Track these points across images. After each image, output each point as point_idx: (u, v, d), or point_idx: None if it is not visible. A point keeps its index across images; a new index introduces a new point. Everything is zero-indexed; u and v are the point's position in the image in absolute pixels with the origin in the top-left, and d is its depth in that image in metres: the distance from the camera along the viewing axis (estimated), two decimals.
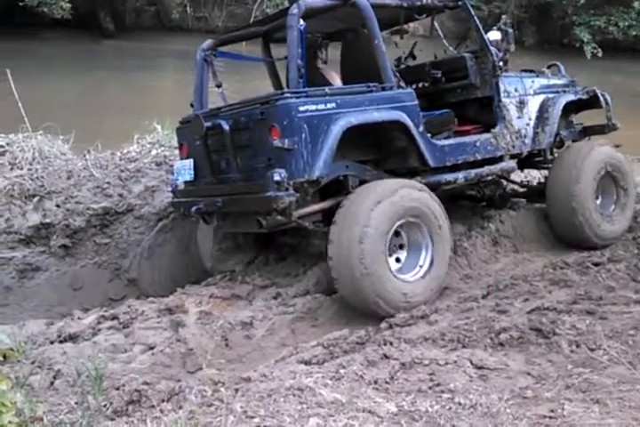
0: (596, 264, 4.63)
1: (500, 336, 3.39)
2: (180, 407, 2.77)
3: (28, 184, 5.33)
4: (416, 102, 4.51)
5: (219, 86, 5.05)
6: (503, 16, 16.92)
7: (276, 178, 3.91)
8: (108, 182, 5.52)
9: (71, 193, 5.38)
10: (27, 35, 15.72)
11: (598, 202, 5.36)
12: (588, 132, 5.85)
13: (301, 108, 4.02)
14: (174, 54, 17.99)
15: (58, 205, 5.28)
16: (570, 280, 4.32)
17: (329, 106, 4.12)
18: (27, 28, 15.86)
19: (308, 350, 3.58)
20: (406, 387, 2.88)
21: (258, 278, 4.72)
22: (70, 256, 5.24)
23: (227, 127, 4.24)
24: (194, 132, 4.42)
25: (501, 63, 5.04)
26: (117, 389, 3.06)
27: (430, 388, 2.85)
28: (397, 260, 4.33)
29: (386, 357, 3.20)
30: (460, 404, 2.66)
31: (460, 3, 5.05)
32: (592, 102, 5.73)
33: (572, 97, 5.57)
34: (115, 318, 4.23)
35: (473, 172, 4.90)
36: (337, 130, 4.07)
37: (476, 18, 5.12)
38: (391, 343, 3.43)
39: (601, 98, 5.68)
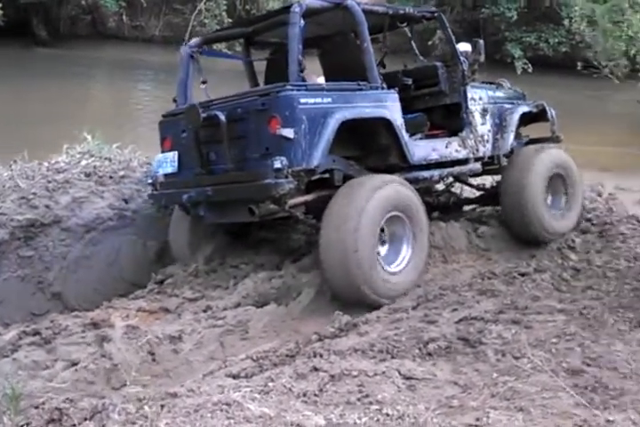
0: (522, 274, 4.70)
1: (428, 346, 3.41)
2: (103, 426, 2.68)
3: None
4: (399, 103, 4.78)
5: (204, 82, 5.24)
6: (438, 31, 17.29)
7: (277, 165, 4.10)
8: (33, 193, 5.31)
9: None
10: None
11: (549, 200, 5.67)
12: (533, 143, 6.09)
13: (302, 100, 4.26)
14: (109, 63, 17.74)
15: None
16: (497, 290, 4.37)
17: (325, 100, 4.39)
18: None
19: (237, 363, 3.52)
20: (335, 399, 2.86)
21: (188, 291, 4.67)
22: None
23: (223, 118, 4.36)
24: (190, 123, 4.55)
25: (469, 73, 5.37)
26: (37, 407, 2.92)
27: (359, 399, 2.83)
28: (380, 251, 4.51)
29: (315, 369, 3.17)
30: (387, 415, 2.65)
31: (435, 14, 5.42)
32: (540, 115, 6.06)
33: (526, 108, 5.91)
34: (36, 333, 4.07)
35: (446, 170, 5.27)
36: (333, 123, 4.31)
37: (449, 29, 5.46)
38: (321, 355, 3.40)
39: (548, 112, 6.03)
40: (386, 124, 4.68)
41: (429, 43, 16.63)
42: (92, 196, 5.48)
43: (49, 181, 5.52)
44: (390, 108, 4.72)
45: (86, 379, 3.48)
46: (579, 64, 9.54)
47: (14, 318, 4.79)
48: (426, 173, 5.10)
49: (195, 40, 5.32)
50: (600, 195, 6.94)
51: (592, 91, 15.15)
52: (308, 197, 4.52)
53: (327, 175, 4.54)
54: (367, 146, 4.88)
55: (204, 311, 4.32)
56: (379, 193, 4.37)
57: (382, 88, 4.76)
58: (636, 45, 10.31)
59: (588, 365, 3.07)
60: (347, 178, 4.58)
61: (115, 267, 5.28)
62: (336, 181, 4.55)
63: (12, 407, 2.76)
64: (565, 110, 6.25)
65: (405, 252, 4.60)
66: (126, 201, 5.51)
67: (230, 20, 17.76)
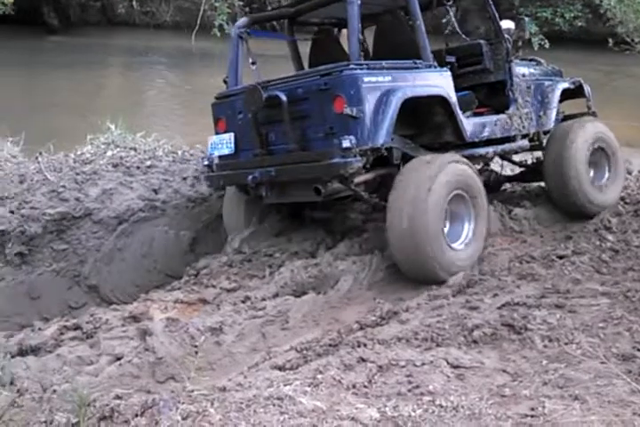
0: (561, 257, 4.62)
1: (473, 333, 3.36)
2: (157, 423, 2.66)
3: None
4: (452, 81, 4.81)
5: (254, 63, 5.27)
6: (451, 9, 17.03)
7: (346, 144, 4.14)
8: (63, 186, 5.33)
9: (25, 198, 5.18)
10: None
11: (591, 174, 5.66)
12: (569, 119, 6.05)
13: (365, 79, 4.28)
14: (121, 50, 17.63)
15: (12, 211, 5.08)
16: (537, 274, 4.31)
17: (386, 78, 4.41)
18: None
19: (281, 354, 3.51)
20: (385, 391, 2.82)
21: (224, 281, 4.64)
22: (27, 264, 5.03)
23: (284, 98, 4.40)
24: (252, 104, 4.58)
25: (513, 50, 5.40)
26: (88, 405, 2.93)
27: (410, 390, 2.79)
28: (446, 230, 4.54)
29: (362, 360, 3.12)
30: (441, 406, 2.61)
31: None
32: (576, 92, 6.05)
33: (566, 85, 5.91)
34: (77, 327, 4.08)
35: (500, 147, 5.31)
36: (396, 101, 4.32)
37: (493, 7, 5.46)
38: (365, 345, 3.36)
39: (585, 88, 6.05)
40: (442, 101, 4.71)
41: (443, 20, 16.42)
42: (120, 187, 5.49)
43: (77, 173, 5.53)
44: (445, 86, 4.76)
45: (132, 373, 3.47)
46: (609, 40, 9.33)
47: (52, 311, 4.82)
48: (481, 151, 5.14)
49: (242, 20, 5.36)
50: (629, 172, 6.85)
51: (614, 66, 14.91)
52: (370, 176, 4.54)
53: (386, 153, 4.52)
54: (421, 124, 4.89)
55: (243, 302, 4.29)
56: (444, 172, 4.39)
57: (435, 66, 4.79)
58: None
59: (639, 350, 3.02)
60: (404, 156, 4.60)
61: (148, 258, 5.29)
62: (395, 159, 4.58)
63: (81, 417, 2.75)
64: (591, 86, 6.17)
65: (467, 231, 4.64)
66: (156, 191, 5.50)
67: (241, 3, 17.58)
